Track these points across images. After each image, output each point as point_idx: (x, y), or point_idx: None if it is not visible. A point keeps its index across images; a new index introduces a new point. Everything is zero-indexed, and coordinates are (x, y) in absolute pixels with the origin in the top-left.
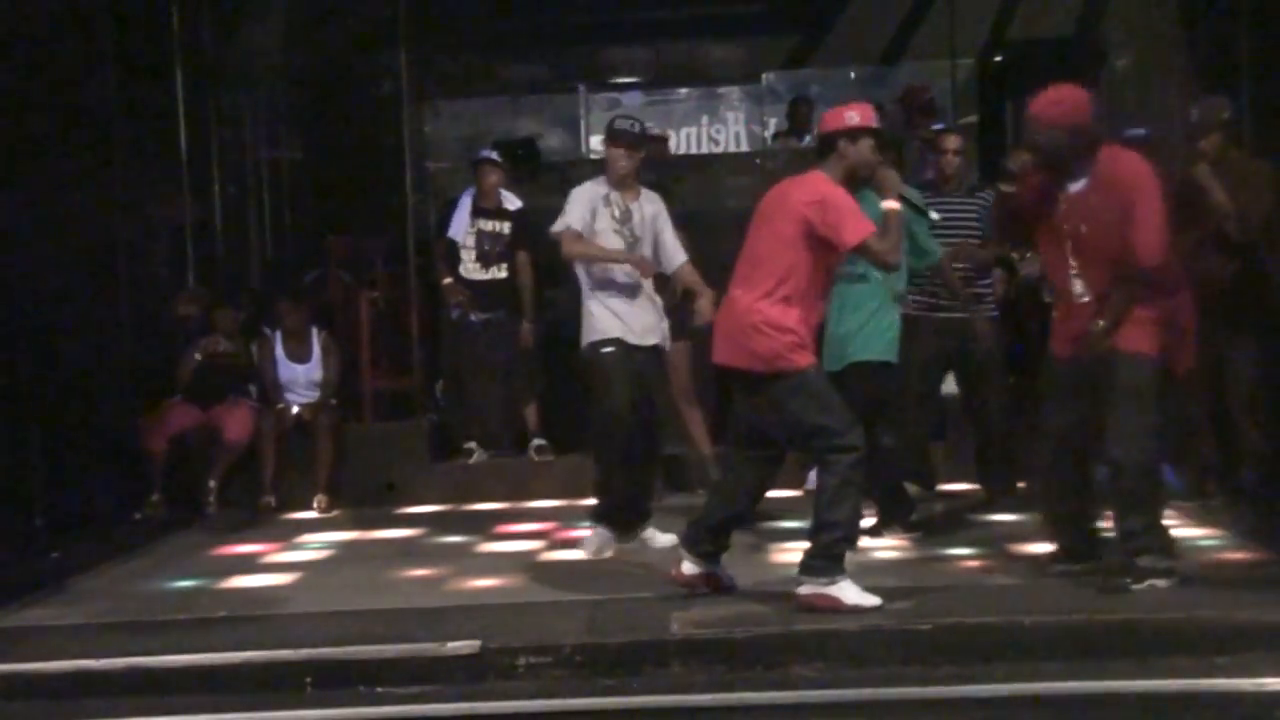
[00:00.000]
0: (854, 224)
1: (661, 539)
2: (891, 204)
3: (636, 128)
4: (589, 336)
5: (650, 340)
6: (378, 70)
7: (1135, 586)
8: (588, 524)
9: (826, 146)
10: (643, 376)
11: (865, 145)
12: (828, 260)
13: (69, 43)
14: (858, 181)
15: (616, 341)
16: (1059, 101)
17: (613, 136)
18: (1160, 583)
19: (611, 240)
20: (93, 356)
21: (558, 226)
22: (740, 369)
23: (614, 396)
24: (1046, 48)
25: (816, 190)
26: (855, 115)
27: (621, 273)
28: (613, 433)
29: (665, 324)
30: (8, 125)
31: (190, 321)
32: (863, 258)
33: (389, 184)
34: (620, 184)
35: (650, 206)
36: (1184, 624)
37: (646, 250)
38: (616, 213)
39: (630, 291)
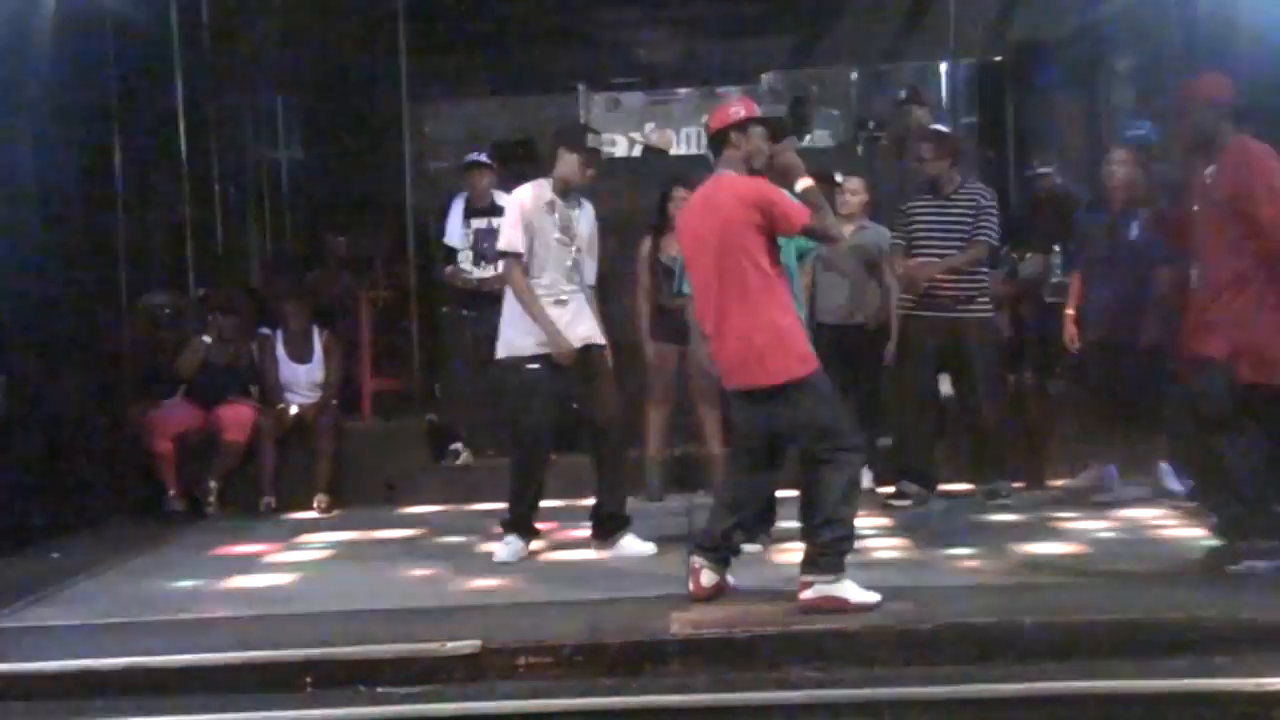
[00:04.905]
0: (794, 208)
1: (638, 547)
2: (804, 182)
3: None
4: (516, 348)
5: (583, 342)
6: (378, 70)
7: (1231, 568)
8: (500, 529)
9: (720, 143)
10: (577, 382)
11: (755, 134)
12: (776, 252)
13: (69, 43)
14: (754, 171)
15: (541, 358)
16: (1207, 81)
17: (588, 148)
18: (1260, 564)
19: (556, 249)
20: (93, 356)
21: (502, 244)
22: (759, 386)
23: (534, 413)
24: (1046, 48)
25: (745, 191)
26: (740, 109)
27: (561, 276)
28: (531, 447)
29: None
30: (8, 125)
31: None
32: (809, 237)
33: (389, 184)
34: (565, 191)
35: (586, 218)
36: (1184, 624)
37: (584, 260)
38: (560, 221)
39: (569, 297)
